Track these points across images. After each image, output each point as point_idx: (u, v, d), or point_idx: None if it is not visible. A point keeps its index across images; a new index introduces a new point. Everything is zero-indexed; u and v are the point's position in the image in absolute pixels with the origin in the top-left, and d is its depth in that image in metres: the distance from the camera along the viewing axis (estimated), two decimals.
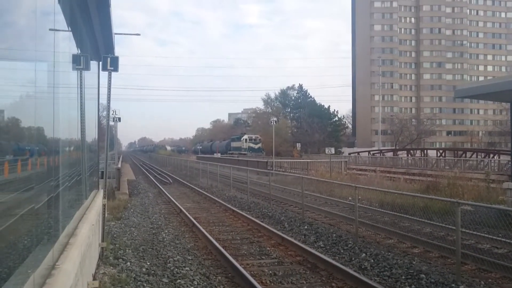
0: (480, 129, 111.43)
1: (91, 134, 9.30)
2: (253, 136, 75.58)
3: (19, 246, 3.48)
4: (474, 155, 45.30)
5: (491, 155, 42.48)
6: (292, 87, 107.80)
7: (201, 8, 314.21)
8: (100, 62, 9.05)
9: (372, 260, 9.52)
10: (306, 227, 13.38)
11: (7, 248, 3.24)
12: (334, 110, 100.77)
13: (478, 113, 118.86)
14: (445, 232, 11.84)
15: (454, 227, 9.17)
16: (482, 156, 43.17)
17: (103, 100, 10.05)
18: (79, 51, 7.10)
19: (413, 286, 7.89)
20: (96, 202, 8.69)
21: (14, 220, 3.38)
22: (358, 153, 61.46)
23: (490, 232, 11.37)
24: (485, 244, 10.85)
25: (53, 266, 3.99)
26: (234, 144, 79.40)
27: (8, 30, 3.21)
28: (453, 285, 7.81)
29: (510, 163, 30.78)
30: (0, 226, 3.03)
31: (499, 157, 39.45)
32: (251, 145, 72.12)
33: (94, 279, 7.43)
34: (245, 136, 75.77)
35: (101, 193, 9.77)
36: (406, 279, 8.27)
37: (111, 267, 8.76)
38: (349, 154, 62.83)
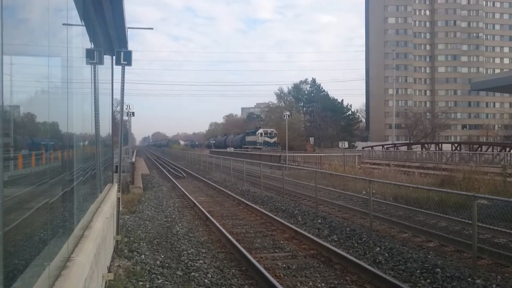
0: (496, 122, 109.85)
1: (105, 128, 9.35)
2: (269, 130, 74.66)
3: (35, 239, 3.51)
4: (490, 149, 44.72)
5: (507, 149, 41.88)
6: (305, 81, 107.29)
7: (214, 3, 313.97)
8: (114, 57, 9.09)
9: (387, 254, 9.46)
10: (319, 220, 13.34)
11: (23, 241, 3.27)
12: (348, 104, 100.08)
13: (494, 106, 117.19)
14: (461, 226, 11.73)
15: (470, 221, 9.07)
16: (498, 150, 42.59)
17: (117, 95, 10.11)
18: (93, 46, 7.12)
19: (428, 280, 7.82)
20: (111, 196, 8.75)
21: (30, 214, 3.41)
22: (371, 147, 61.11)
23: (507, 226, 11.21)
24: (502, 238, 10.71)
25: (68, 258, 4.03)
26: (248, 138, 78.79)
27: (22, 26, 3.22)
28: (469, 279, 7.73)
29: None
30: (16, 220, 3.06)
31: None
32: (267, 139, 71.44)
33: (109, 271, 7.49)
34: (260, 130, 74.87)
35: (115, 187, 9.84)
36: (421, 273, 8.21)
37: (126, 260, 8.84)
38: (363, 148, 62.49)
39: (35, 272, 3.14)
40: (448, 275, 7.95)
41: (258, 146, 69.77)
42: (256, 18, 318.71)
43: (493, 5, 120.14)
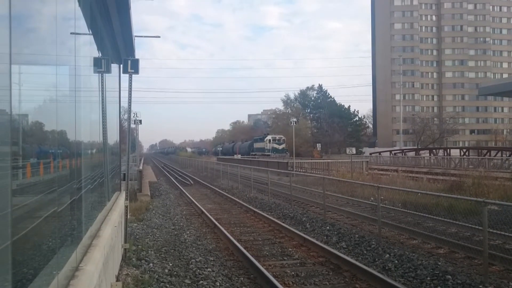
0: (504, 127, 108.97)
1: (113, 136, 9.38)
2: (277, 137, 74.07)
3: (43, 248, 3.50)
4: (499, 154, 44.38)
5: None
6: (312, 88, 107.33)
7: (221, 11, 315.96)
8: (121, 65, 9.13)
9: (396, 261, 9.38)
10: (328, 227, 13.27)
11: (32, 249, 3.27)
12: (355, 110, 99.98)
13: (503, 111, 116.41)
14: (471, 233, 11.60)
15: (480, 227, 8.97)
16: (508, 155, 42.24)
17: (124, 103, 10.14)
18: (100, 54, 7.16)
19: (439, 287, 7.74)
20: (119, 204, 8.76)
21: (38, 222, 3.41)
22: (379, 153, 60.87)
23: None
24: None
25: (77, 268, 4.02)
26: (257, 145, 78.40)
27: (30, 36, 3.24)
28: (480, 286, 7.63)
29: None
30: (25, 228, 3.06)
31: None
32: (275, 145, 70.96)
33: (117, 280, 7.48)
34: (269, 137, 74.38)
35: (123, 194, 9.85)
36: (431, 280, 8.12)
37: (134, 268, 8.82)
38: (370, 154, 62.25)
39: (44, 282, 3.13)
40: (459, 282, 7.86)
41: (266, 153, 69.39)
42: (263, 25, 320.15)
43: (500, 9, 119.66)
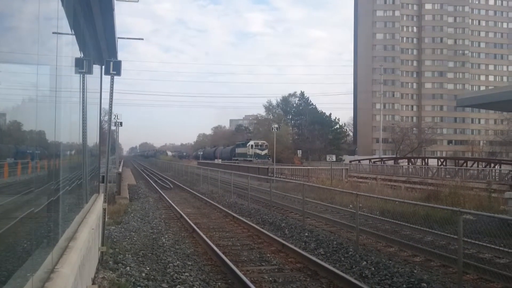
0: (481, 138, 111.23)
1: (93, 138, 9.28)
2: (260, 142, 73.48)
3: (18, 249, 3.45)
4: (475, 165, 45.17)
5: (492, 165, 42.35)
6: (294, 94, 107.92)
7: (205, 16, 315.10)
8: (103, 66, 9.05)
9: (373, 268, 9.46)
10: (306, 234, 13.32)
11: (6, 251, 3.22)
12: (336, 117, 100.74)
13: (479, 122, 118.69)
14: (447, 241, 11.79)
15: (455, 236, 9.12)
16: (483, 166, 43.03)
17: (105, 105, 10.05)
18: (82, 55, 7.09)
19: None
20: (97, 206, 8.66)
21: (13, 223, 3.36)
22: (359, 161, 61.36)
23: (492, 242, 11.27)
24: (487, 253, 10.78)
25: (52, 270, 3.96)
26: (239, 150, 78.02)
27: (10, 34, 3.20)
28: None
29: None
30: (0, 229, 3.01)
31: (500, 167, 39.34)
32: (257, 151, 70.51)
33: (93, 283, 7.38)
34: (251, 142, 73.90)
35: (101, 197, 9.73)
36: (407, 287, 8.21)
37: (111, 272, 8.72)
38: (350, 161, 62.65)
39: (18, 284, 3.08)
40: None
41: (248, 158, 69.00)
42: (247, 32, 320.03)
43: (479, 23, 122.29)
